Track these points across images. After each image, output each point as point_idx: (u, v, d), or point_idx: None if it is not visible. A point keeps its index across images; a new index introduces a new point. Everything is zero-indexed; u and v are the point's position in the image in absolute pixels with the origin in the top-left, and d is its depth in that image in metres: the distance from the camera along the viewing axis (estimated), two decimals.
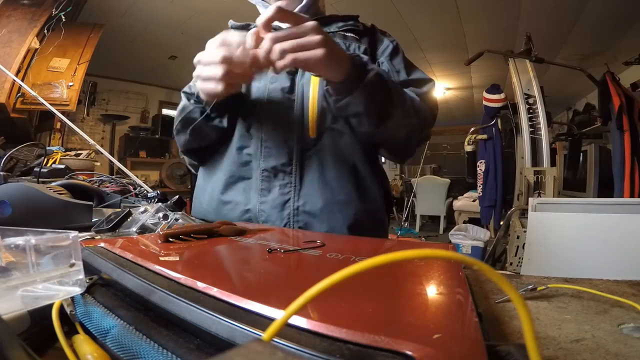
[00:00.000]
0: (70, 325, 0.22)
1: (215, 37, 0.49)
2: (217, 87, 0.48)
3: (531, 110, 2.60)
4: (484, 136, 3.09)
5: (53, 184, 0.63)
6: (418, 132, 0.63)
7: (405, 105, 0.57)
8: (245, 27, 0.71)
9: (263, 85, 0.64)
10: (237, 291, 0.18)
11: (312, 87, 0.62)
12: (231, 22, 0.74)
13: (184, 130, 0.64)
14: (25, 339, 0.20)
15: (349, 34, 0.68)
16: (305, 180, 0.60)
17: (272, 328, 0.12)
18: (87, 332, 0.21)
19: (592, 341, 0.20)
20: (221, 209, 0.64)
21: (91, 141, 1.32)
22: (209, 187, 0.67)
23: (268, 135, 0.61)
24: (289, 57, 0.44)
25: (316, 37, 0.44)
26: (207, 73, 0.48)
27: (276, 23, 0.46)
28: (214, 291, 0.18)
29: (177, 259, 0.28)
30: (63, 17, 2.41)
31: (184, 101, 0.64)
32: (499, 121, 3.13)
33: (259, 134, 0.62)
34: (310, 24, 0.45)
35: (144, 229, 0.42)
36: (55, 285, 0.22)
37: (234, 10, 2.63)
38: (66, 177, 0.97)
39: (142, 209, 0.46)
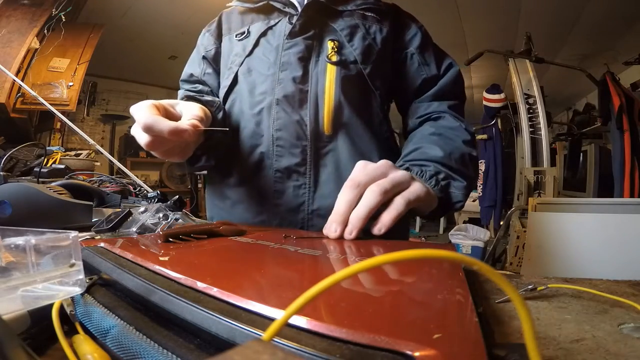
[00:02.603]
0: (70, 325, 0.22)
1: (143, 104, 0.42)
2: (156, 154, 0.44)
3: (531, 110, 2.60)
4: (484, 136, 3.10)
5: (53, 184, 0.63)
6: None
7: (473, 183, 0.53)
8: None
9: (272, 74, 0.58)
10: (237, 291, 0.18)
11: (328, 77, 0.57)
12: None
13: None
14: (25, 339, 0.20)
15: (369, 14, 0.61)
16: (320, 181, 0.57)
17: (272, 328, 0.12)
18: (87, 332, 0.21)
19: (592, 341, 0.20)
20: (235, 210, 0.61)
21: (91, 141, 1.32)
22: (221, 187, 0.64)
23: (280, 132, 0.57)
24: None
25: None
26: (137, 136, 0.42)
27: None
28: (214, 291, 0.18)
29: (177, 259, 0.28)
30: (63, 17, 2.41)
31: None
32: (499, 121, 3.14)
33: (270, 130, 0.57)
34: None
35: (144, 229, 0.42)
36: (55, 285, 0.22)
37: None
38: (66, 177, 0.97)
39: (142, 209, 0.45)
